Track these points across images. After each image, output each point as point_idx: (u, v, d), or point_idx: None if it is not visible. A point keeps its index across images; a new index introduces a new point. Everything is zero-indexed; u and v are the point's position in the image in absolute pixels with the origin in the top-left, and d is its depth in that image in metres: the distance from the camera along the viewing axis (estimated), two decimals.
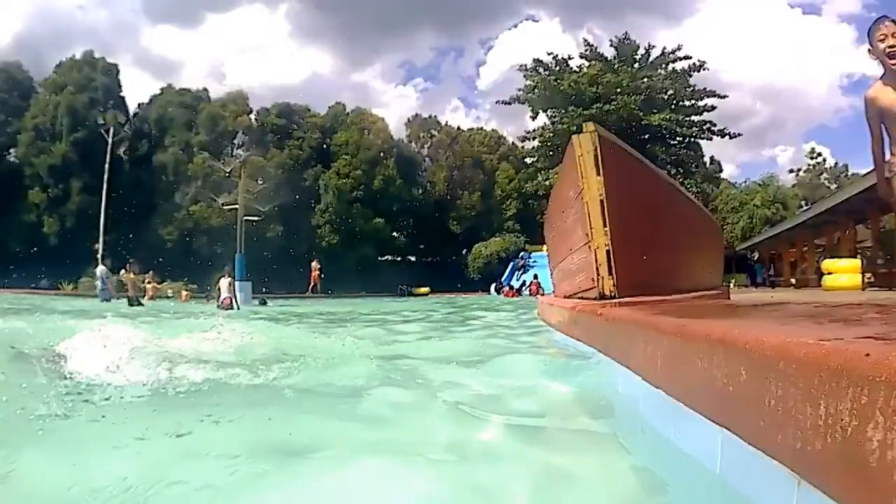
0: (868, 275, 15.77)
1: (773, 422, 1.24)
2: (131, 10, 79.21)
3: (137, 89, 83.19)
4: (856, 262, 16.48)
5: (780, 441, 1.21)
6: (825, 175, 51.34)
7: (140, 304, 17.44)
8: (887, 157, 3.80)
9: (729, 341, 1.49)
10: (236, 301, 16.06)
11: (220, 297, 15.84)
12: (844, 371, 1.03)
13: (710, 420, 1.60)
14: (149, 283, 23.41)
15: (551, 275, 9.80)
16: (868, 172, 11.94)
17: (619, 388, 2.72)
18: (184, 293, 25.21)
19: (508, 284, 35.30)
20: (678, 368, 1.90)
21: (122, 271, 20.38)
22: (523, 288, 32.21)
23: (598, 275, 4.55)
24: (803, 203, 43.42)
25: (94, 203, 37.42)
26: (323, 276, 30.95)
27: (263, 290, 22.78)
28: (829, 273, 16.35)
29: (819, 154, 52.39)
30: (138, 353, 3.43)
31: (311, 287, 30.56)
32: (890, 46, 3.40)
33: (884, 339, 1.21)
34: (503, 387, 3.27)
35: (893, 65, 3.43)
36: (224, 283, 16.09)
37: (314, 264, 31.18)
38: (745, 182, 46.65)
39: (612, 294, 4.49)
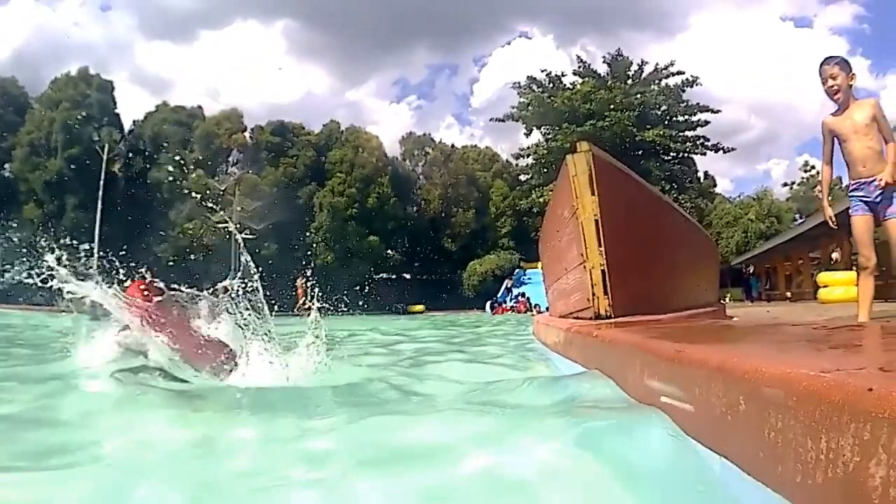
0: None
1: (773, 453, 1.21)
2: (126, 27, 79.66)
3: (132, 106, 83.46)
4: (851, 275, 16.42)
5: (780, 473, 1.19)
6: (819, 188, 51.49)
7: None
8: (835, 176, 4.37)
9: (727, 370, 1.47)
10: None
11: None
12: (846, 406, 1.01)
13: (709, 448, 1.57)
14: None
15: (546, 293, 9.78)
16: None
17: None
18: None
19: (502, 302, 35.36)
20: (675, 394, 1.87)
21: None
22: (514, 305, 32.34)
23: (594, 295, 4.52)
24: (798, 216, 43.64)
25: (89, 219, 37.36)
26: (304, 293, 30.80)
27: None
28: (825, 286, 16.31)
29: (813, 167, 52.48)
30: None
31: (301, 304, 30.44)
32: (830, 87, 3.91)
33: (887, 371, 1.19)
34: None
35: (836, 100, 3.94)
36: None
37: (299, 282, 31.05)
38: (740, 196, 47.14)
39: (608, 314, 4.46)
